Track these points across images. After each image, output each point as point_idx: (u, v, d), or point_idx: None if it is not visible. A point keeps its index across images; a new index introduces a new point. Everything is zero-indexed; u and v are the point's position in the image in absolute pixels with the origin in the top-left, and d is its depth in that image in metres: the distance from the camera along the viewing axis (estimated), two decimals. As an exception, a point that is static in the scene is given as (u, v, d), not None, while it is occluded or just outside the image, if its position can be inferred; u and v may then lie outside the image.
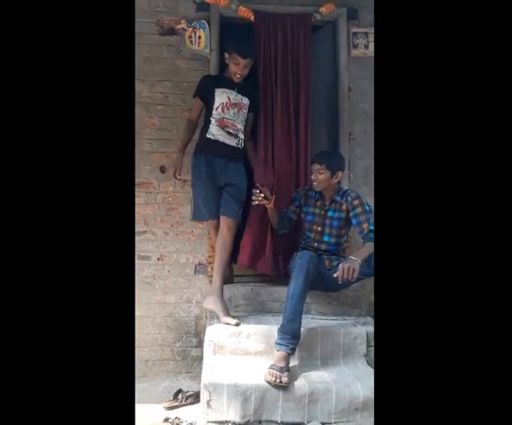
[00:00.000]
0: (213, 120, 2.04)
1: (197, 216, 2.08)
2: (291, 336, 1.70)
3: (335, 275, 1.77)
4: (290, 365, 1.69)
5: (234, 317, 1.90)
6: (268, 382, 1.61)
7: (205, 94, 2.07)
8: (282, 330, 1.72)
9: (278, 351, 1.68)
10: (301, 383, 1.63)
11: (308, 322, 1.92)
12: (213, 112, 2.05)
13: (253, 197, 2.00)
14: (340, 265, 1.78)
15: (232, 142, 2.06)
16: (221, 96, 2.06)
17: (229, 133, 2.05)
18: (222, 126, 2.04)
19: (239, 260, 2.17)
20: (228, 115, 2.06)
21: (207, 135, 2.04)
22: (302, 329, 1.80)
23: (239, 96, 2.09)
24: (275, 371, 1.62)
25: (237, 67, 2.03)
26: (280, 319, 1.88)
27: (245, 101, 2.11)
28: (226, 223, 1.98)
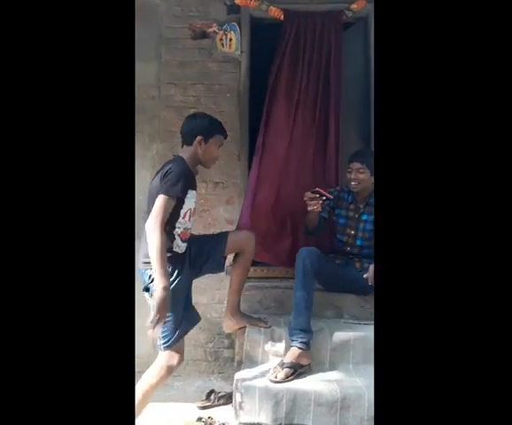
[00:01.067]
0: (178, 231, 1.64)
1: (175, 341, 1.62)
2: (300, 330, 1.73)
3: (365, 276, 1.76)
4: (306, 363, 1.71)
5: (264, 319, 1.93)
6: (269, 380, 1.65)
7: (181, 195, 1.60)
8: (290, 327, 1.78)
9: (290, 346, 1.73)
10: (333, 388, 1.64)
11: (340, 326, 1.92)
12: (180, 220, 1.63)
13: (313, 202, 1.82)
14: (371, 266, 1.76)
15: (183, 249, 1.69)
16: (191, 201, 1.67)
17: (184, 242, 1.68)
18: (184, 239, 1.67)
19: (257, 255, 2.12)
20: (190, 225, 1.70)
21: (175, 249, 1.64)
22: (334, 334, 1.83)
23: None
24: (277, 366, 1.68)
25: (218, 151, 1.75)
26: (312, 322, 1.87)
27: None
28: (252, 239, 1.81)
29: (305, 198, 1.85)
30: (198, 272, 1.79)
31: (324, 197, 1.83)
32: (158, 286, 1.48)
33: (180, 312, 1.64)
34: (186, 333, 1.68)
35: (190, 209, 1.67)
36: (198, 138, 1.68)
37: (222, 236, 1.83)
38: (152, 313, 1.45)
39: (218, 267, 1.82)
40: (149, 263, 1.57)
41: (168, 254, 1.59)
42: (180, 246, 1.67)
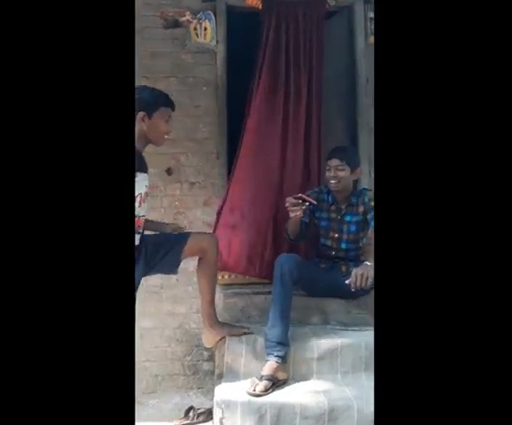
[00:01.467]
0: None
1: None
2: (276, 343, 1.68)
3: (347, 282, 1.70)
4: (282, 377, 1.66)
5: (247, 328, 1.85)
6: (247, 393, 1.59)
7: None
8: (265, 338, 1.73)
9: (266, 360, 1.68)
10: (320, 400, 1.57)
11: (327, 333, 1.87)
12: None
13: (295, 208, 1.72)
14: (353, 271, 1.70)
15: (136, 240, 1.59)
16: (141, 185, 1.55)
17: (139, 233, 1.61)
18: (136, 228, 1.56)
19: (229, 265, 2.09)
20: (143, 212, 1.60)
21: None
22: (321, 341, 1.77)
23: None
24: (255, 379, 1.63)
25: (168, 124, 1.63)
26: (296, 330, 1.84)
27: None
28: (215, 242, 1.74)
29: (286, 204, 1.75)
30: (151, 270, 1.69)
31: (308, 203, 1.74)
32: None
33: None
34: None
35: (141, 194, 1.56)
36: (140, 114, 1.56)
37: (183, 237, 1.73)
38: None
39: (171, 268, 1.71)
40: None
41: None
42: None
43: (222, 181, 2.27)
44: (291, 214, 1.76)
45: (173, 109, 1.65)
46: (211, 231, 2.14)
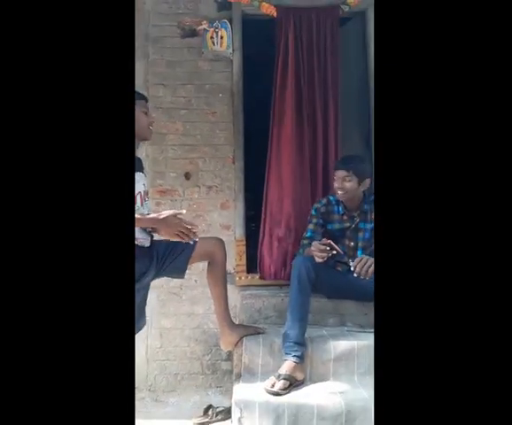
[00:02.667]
0: None
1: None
2: (294, 343, 1.70)
3: (350, 263, 1.77)
4: (300, 378, 1.68)
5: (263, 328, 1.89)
6: (266, 390, 1.62)
7: None
8: (283, 338, 1.75)
9: (284, 360, 1.70)
10: (337, 401, 1.58)
11: (344, 335, 1.87)
12: None
13: (322, 255, 1.75)
14: (359, 257, 1.76)
15: (147, 242, 1.62)
16: (139, 184, 1.57)
17: (148, 233, 1.62)
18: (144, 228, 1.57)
19: (265, 273, 2.16)
20: (145, 210, 1.60)
21: (138, 240, 1.56)
22: (338, 342, 1.78)
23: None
24: (274, 378, 1.65)
25: (148, 116, 1.63)
26: (313, 331, 1.86)
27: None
28: (222, 246, 1.76)
29: (312, 248, 1.79)
30: (161, 273, 1.72)
31: (335, 252, 1.76)
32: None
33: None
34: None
35: (140, 192, 1.58)
36: None
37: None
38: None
39: (178, 273, 1.74)
40: None
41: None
42: (138, 239, 1.55)
43: (239, 184, 2.29)
44: (316, 259, 1.79)
45: (146, 101, 1.66)
46: (226, 231, 2.22)
